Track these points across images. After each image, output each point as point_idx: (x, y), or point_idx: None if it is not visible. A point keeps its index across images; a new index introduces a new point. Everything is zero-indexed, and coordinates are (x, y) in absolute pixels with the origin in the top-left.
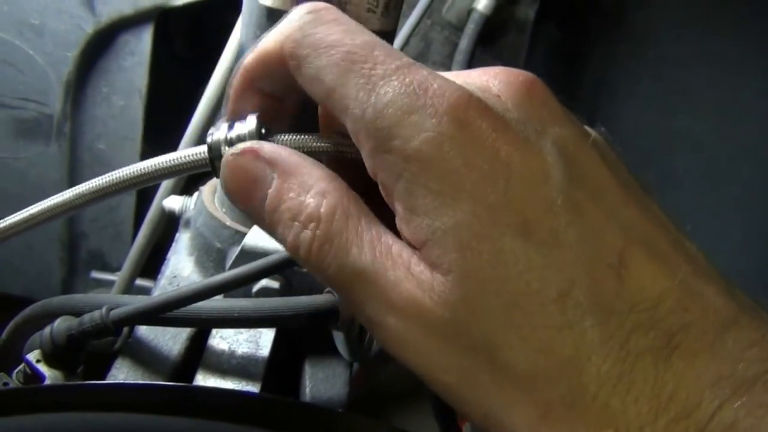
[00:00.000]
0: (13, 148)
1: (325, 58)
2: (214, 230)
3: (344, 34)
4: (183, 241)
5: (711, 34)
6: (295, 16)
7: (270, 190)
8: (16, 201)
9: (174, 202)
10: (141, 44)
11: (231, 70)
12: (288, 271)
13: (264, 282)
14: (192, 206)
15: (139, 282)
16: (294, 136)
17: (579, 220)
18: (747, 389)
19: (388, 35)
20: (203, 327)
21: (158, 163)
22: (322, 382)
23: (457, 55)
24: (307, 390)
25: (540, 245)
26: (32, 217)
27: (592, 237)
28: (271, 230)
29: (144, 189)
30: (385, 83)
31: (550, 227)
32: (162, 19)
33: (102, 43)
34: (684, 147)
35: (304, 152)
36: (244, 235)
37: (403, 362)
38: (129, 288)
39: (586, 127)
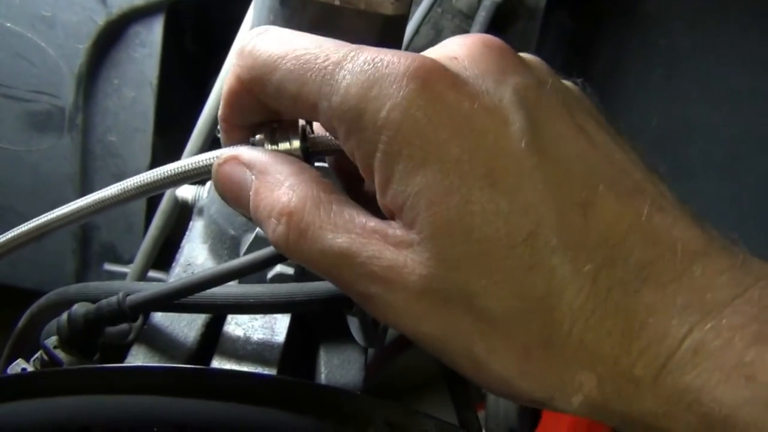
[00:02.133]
0: (25, 140)
1: (279, 71)
2: (227, 217)
3: (289, 42)
4: (197, 228)
5: (724, 22)
6: (242, 45)
7: (251, 191)
8: (28, 193)
9: (187, 192)
10: (152, 36)
11: None
12: None
13: (278, 268)
14: (205, 195)
15: (152, 273)
16: (330, 137)
17: (543, 163)
18: (716, 314)
19: (402, 20)
20: (219, 313)
21: (199, 161)
22: (338, 367)
23: None
24: (323, 376)
25: (506, 191)
26: (80, 210)
27: (556, 179)
28: (259, 227)
29: None
30: (341, 69)
31: (515, 172)
32: (171, 11)
33: (113, 35)
34: (697, 136)
35: (336, 146)
36: None
37: (394, 327)
38: (142, 279)
39: (563, 80)
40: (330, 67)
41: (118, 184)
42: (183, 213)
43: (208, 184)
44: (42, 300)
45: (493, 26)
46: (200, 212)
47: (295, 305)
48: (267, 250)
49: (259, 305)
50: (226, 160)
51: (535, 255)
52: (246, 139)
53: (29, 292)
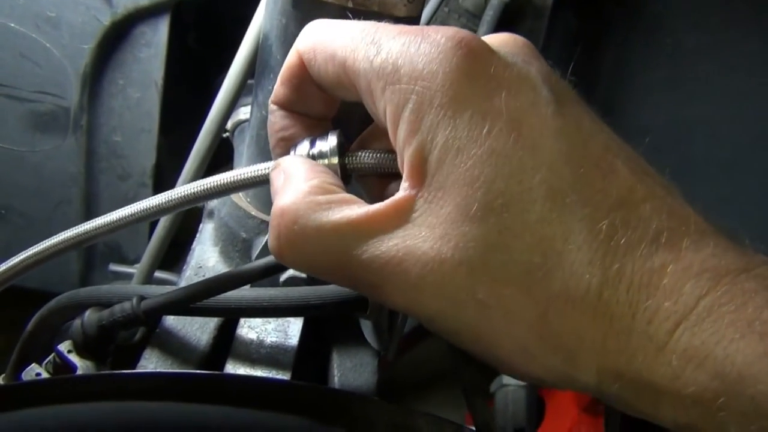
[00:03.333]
0: (29, 141)
1: (336, 42)
2: (239, 220)
3: (349, 24)
4: (207, 231)
5: (729, 21)
6: (306, 29)
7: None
8: (32, 194)
9: None
10: (157, 36)
11: (251, 60)
12: None
13: (291, 271)
14: None
15: (158, 274)
16: (369, 151)
17: (566, 128)
18: (731, 280)
19: (414, 22)
20: (232, 316)
21: (237, 175)
22: (351, 371)
23: None
24: (336, 379)
25: (532, 147)
26: (145, 210)
27: (578, 144)
28: None
29: (160, 180)
30: (388, 38)
31: (541, 132)
32: (176, 10)
33: (118, 35)
34: (701, 135)
35: (374, 165)
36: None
37: (405, 310)
38: (148, 280)
39: None
40: (378, 37)
41: (175, 190)
42: (190, 213)
43: None
44: (52, 303)
45: (501, 25)
46: (210, 215)
47: (309, 309)
48: None
49: (273, 308)
50: (275, 167)
51: (555, 210)
52: (290, 125)
53: (34, 292)
